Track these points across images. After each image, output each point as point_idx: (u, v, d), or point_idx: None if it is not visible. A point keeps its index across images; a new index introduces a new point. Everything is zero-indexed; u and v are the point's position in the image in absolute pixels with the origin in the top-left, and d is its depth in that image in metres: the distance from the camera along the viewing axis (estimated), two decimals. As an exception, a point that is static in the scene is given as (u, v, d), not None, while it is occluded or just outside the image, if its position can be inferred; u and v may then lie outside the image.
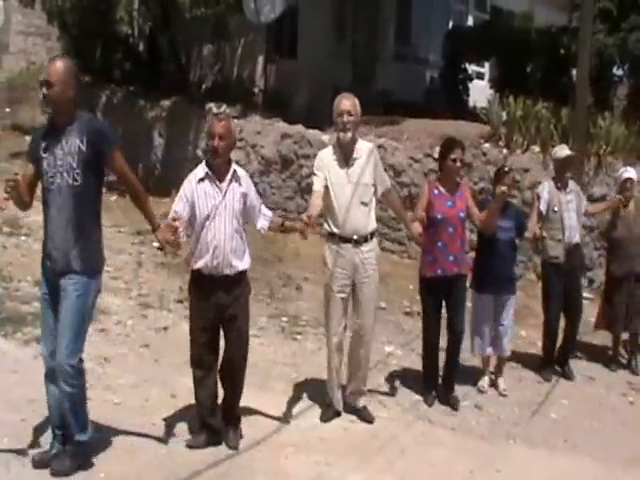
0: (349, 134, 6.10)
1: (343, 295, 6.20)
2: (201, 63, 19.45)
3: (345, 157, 6.13)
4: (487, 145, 11.56)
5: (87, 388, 6.21)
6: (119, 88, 18.20)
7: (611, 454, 6.28)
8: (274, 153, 13.16)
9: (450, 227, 6.73)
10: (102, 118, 18.34)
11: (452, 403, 6.90)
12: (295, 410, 6.39)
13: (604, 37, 15.21)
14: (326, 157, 6.21)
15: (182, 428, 5.80)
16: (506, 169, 7.39)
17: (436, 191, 6.83)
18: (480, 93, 17.86)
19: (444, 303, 6.89)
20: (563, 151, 8.12)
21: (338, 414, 6.33)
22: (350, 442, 5.88)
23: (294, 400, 6.59)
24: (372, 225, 6.23)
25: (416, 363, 7.56)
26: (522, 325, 9.06)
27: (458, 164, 6.78)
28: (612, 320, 8.54)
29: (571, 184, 8.10)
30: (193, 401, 5.80)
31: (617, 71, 17.15)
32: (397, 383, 7.34)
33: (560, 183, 8.01)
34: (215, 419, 5.65)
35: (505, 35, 17.17)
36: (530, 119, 11.72)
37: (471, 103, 18.31)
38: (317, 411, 6.39)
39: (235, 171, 5.58)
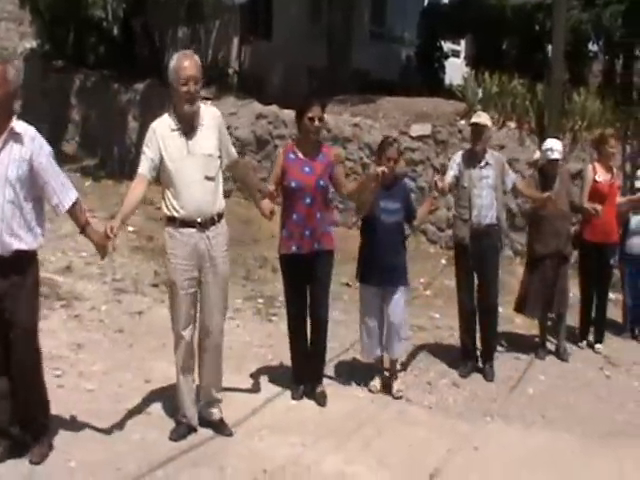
0: (196, 104, 5.12)
1: (190, 290, 5.27)
2: (176, 45, 19.29)
3: (184, 126, 5.12)
4: (463, 122, 11.48)
5: (60, 375, 6.26)
6: (93, 72, 18.05)
7: (588, 429, 6.26)
8: (249, 134, 13.07)
9: (307, 197, 5.93)
10: (76, 103, 18.24)
11: (317, 398, 6.19)
12: (270, 392, 6.32)
13: (579, 13, 15.16)
14: (160, 127, 5.17)
15: (156, 414, 5.72)
16: (390, 140, 6.69)
17: (292, 155, 6.04)
18: (456, 71, 17.84)
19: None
20: (474, 118, 7.22)
21: (191, 430, 5.43)
22: (326, 423, 5.82)
23: (269, 382, 6.53)
24: (220, 204, 5.30)
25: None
26: (499, 301, 8.98)
27: (317, 123, 5.92)
28: (535, 303, 7.87)
29: (490, 157, 7.07)
30: (167, 383, 5.79)
31: (592, 47, 17.12)
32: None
33: (472, 155, 7.10)
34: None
35: (480, 12, 17.12)
36: (505, 95, 11.67)
37: (447, 81, 18.29)
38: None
39: (13, 129, 4.60)
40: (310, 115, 5.92)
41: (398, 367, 6.78)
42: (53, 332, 7.35)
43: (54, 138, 18.79)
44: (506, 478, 5.32)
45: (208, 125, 5.20)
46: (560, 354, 7.93)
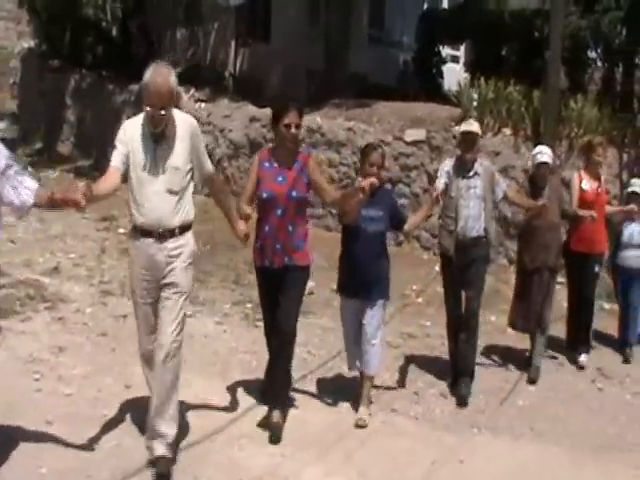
0: (160, 127, 4.78)
1: (148, 300, 5.05)
2: (174, 47, 19.29)
3: (155, 133, 4.83)
4: (457, 128, 11.34)
5: (38, 379, 6.13)
6: (89, 73, 18.00)
7: (578, 442, 6.12)
8: (242, 137, 12.96)
9: (278, 208, 5.58)
10: (71, 103, 18.16)
11: (270, 428, 5.60)
12: (251, 400, 6.17)
13: (577, 19, 15.01)
14: (132, 129, 4.92)
15: (134, 420, 5.58)
16: (374, 144, 6.43)
17: (267, 164, 5.72)
18: (455, 77, 17.67)
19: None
20: (464, 126, 6.91)
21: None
22: (308, 433, 5.68)
23: (252, 390, 6.39)
24: (184, 217, 4.97)
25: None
26: (492, 310, 8.90)
27: (293, 130, 5.57)
28: (527, 319, 7.58)
29: (479, 167, 6.77)
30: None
31: (591, 54, 16.98)
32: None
33: (461, 164, 6.80)
34: None
35: (479, 18, 16.96)
36: (501, 101, 11.54)
37: (446, 86, 18.12)
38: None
39: None
40: (286, 122, 5.57)
41: (387, 383, 6.74)
42: (35, 335, 7.27)
43: (49, 138, 18.80)
44: (491, 492, 5.20)
45: (181, 136, 4.90)
46: (531, 372, 7.46)
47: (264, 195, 5.63)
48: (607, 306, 9.34)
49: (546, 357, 7.93)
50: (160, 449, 4.89)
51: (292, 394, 6.24)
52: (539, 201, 7.26)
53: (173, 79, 4.79)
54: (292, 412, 6.02)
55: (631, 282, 8.36)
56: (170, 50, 19.41)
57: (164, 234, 4.90)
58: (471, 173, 6.72)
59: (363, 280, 6.00)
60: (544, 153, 7.51)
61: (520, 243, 7.86)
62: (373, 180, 5.60)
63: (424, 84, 17.25)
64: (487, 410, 6.60)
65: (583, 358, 7.99)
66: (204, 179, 5.23)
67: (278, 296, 5.71)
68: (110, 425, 5.46)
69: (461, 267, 6.73)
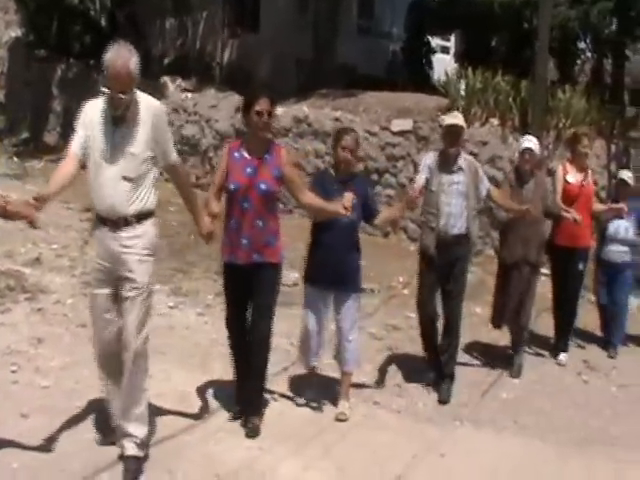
0: (120, 110, 4.54)
1: (104, 291, 4.77)
2: (163, 37, 19.19)
3: (115, 116, 4.57)
4: (442, 120, 11.27)
5: (15, 371, 6.03)
6: (76, 62, 17.88)
7: (561, 436, 6.06)
8: (229, 127, 12.86)
9: (244, 201, 5.26)
10: (57, 93, 18.02)
11: (247, 432, 5.40)
12: (230, 393, 6.03)
13: (566, 9, 14.94)
14: (92, 112, 4.65)
15: (109, 413, 5.46)
16: (347, 128, 6.12)
17: (237, 154, 5.38)
18: (445, 67, 17.63)
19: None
20: (448, 119, 6.61)
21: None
22: (286, 426, 5.58)
23: (232, 382, 6.28)
24: (141, 205, 4.67)
25: (366, 342, 7.31)
26: (477, 302, 8.82)
27: (265, 118, 5.23)
28: (503, 314, 7.41)
29: (463, 162, 6.46)
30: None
31: (581, 44, 16.94)
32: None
33: (445, 158, 6.47)
34: None
35: (468, 8, 16.88)
36: (489, 92, 11.46)
37: (436, 77, 18.05)
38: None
39: None
40: (257, 109, 5.22)
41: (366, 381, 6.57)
42: (14, 326, 7.16)
43: (36, 128, 18.66)
44: (470, 486, 5.12)
45: (143, 121, 4.60)
46: (513, 371, 7.32)
47: (231, 186, 5.32)
48: (594, 298, 9.24)
49: (532, 353, 7.88)
50: (130, 449, 4.72)
51: (272, 386, 6.14)
52: (523, 192, 7.12)
53: (134, 62, 4.53)
54: (272, 405, 5.94)
55: (615, 278, 8.21)
56: (159, 40, 19.32)
57: (118, 222, 4.64)
58: (454, 168, 6.42)
59: (335, 272, 5.74)
60: (530, 140, 7.38)
61: (500, 237, 7.69)
62: (352, 195, 5.43)
63: (413, 74, 17.22)
64: (470, 403, 6.53)
65: (562, 357, 7.85)
66: (166, 169, 4.89)
67: (246, 295, 5.44)
68: (85, 418, 5.35)
69: (442, 266, 6.45)
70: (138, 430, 4.75)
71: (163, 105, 4.91)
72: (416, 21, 17.90)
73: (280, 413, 5.83)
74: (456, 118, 6.54)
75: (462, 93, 11.74)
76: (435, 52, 19.09)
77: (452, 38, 20.74)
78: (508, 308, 7.32)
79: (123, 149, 4.59)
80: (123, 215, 4.63)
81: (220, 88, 14.24)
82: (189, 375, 6.25)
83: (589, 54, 17.65)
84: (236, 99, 13.26)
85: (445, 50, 20.86)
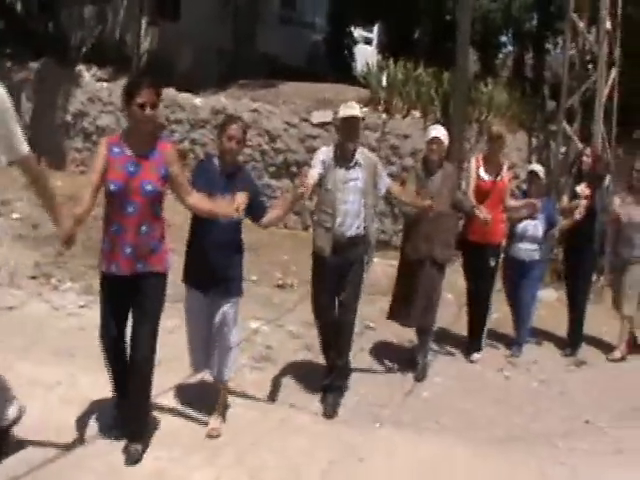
0: None
1: None
2: (82, 25, 18.70)
3: None
4: (366, 109, 11.11)
5: None
6: (-15, 49, 17.17)
7: (483, 435, 5.97)
8: (145, 118, 12.47)
9: (128, 205, 4.68)
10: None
11: (128, 455, 4.83)
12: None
13: (488, 2, 14.98)
14: None
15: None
16: (233, 116, 5.80)
17: (117, 149, 4.73)
18: (368, 58, 17.55)
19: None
20: (344, 110, 6.01)
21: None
22: (199, 434, 5.27)
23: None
24: None
25: (284, 341, 7.10)
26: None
27: (147, 111, 4.67)
28: (408, 313, 7.00)
29: (360, 156, 6.00)
30: (31, 389, 5.23)
31: (503, 38, 17.05)
32: (261, 364, 6.81)
33: (341, 152, 5.99)
34: None
35: (391, -1, 16.81)
36: (411, 83, 11.32)
37: (358, 68, 17.95)
38: (166, 400, 5.74)
39: None
40: (139, 101, 4.64)
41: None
42: None
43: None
44: (390, 492, 4.94)
45: None
46: (417, 372, 7.01)
47: (111, 187, 4.68)
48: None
49: (452, 349, 7.78)
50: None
51: (184, 391, 5.86)
52: (430, 183, 6.76)
53: None
54: (182, 411, 5.62)
55: (522, 275, 7.97)
56: (76, 28, 18.83)
57: None
58: (351, 163, 5.96)
59: (215, 274, 5.21)
60: (437, 129, 7.03)
61: (404, 231, 7.28)
62: (245, 196, 4.93)
63: (335, 65, 17.08)
64: (391, 403, 6.36)
65: (475, 356, 7.69)
66: (17, 163, 4.29)
67: (127, 308, 4.91)
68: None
69: (337, 270, 5.99)
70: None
71: (5, 92, 4.23)
72: (339, 12, 17.77)
73: (191, 420, 5.51)
74: (353, 109, 6.03)
75: (384, 85, 11.57)
76: (357, 43, 18.99)
77: (375, 29, 20.65)
78: (414, 307, 6.92)
79: None
80: None
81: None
82: (97, 380, 5.91)
83: (510, 47, 17.78)
84: (153, 89, 12.90)
85: (368, 41, 20.77)
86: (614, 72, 11.38)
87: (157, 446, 5.02)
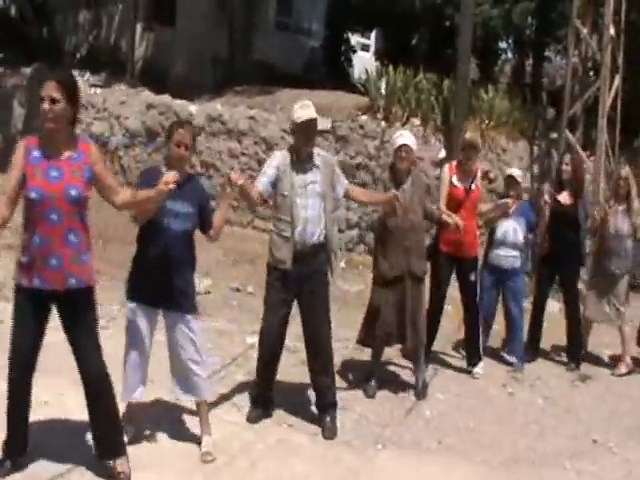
0: None
1: None
2: (76, 30, 18.59)
3: None
4: (364, 117, 10.93)
5: None
6: (-21, 54, 17.07)
7: (487, 455, 5.75)
8: (139, 125, 12.27)
9: (52, 213, 4.29)
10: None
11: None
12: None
13: (489, 9, 14.80)
14: None
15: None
16: (181, 121, 5.53)
17: (35, 153, 4.35)
18: (366, 65, 17.42)
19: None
20: (300, 112, 5.60)
21: None
22: (195, 455, 5.05)
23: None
24: None
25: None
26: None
27: (46, 106, 4.27)
28: (400, 332, 6.58)
29: (317, 158, 5.67)
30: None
31: (502, 44, 16.91)
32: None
33: (297, 157, 5.66)
34: None
35: (389, 6, 16.60)
36: (410, 91, 11.12)
37: (356, 75, 17.85)
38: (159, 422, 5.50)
39: None
40: (41, 94, 4.28)
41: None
42: None
43: None
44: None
45: None
46: (417, 392, 6.76)
47: (32, 195, 4.30)
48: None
49: (455, 365, 7.60)
50: None
51: (179, 403, 5.59)
52: (400, 194, 6.10)
53: None
54: (183, 426, 5.40)
55: (505, 286, 7.74)
56: (71, 33, 18.72)
57: None
58: (308, 166, 5.63)
59: (163, 288, 4.90)
60: (405, 136, 6.63)
61: (375, 249, 6.79)
62: (175, 174, 4.55)
63: (332, 72, 16.92)
64: (392, 422, 6.12)
65: (477, 370, 7.47)
66: None
67: (45, 328, 4.56)
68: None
69: (298, 282, 5.65)
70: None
71: None
72: (336, 18, 17.62)
73: (192, 439, 5.27)
74: (311, 111, 5.60)
75: (382, 92, 11.37)
76: (355, 50, 18.83)
77: (372, 36, 20.52)
78: (404, 326, 6.54)
79: None
80: None
81: (131, 84, 13.68)
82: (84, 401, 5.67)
83: (510, 54, 17.64)
84: (147, 96, 12.72)
85: (365, 48, 20.64)
86: (617, 79, 11.20)
87: (151, 468, 4.80)
